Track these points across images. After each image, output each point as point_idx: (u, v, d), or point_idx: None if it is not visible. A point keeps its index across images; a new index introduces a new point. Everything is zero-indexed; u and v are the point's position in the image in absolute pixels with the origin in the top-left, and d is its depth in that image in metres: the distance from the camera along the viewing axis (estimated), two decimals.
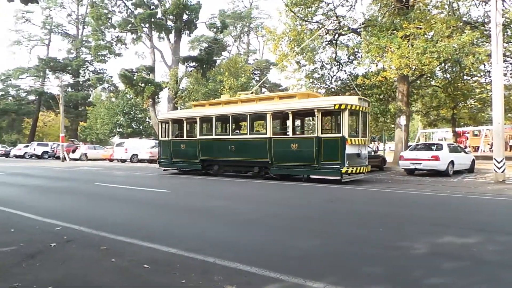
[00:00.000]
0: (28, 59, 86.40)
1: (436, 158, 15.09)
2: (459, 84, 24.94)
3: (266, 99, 15.30)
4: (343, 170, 12.05)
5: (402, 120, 19.90)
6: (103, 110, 44.99)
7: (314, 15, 21.57)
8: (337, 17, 21.60)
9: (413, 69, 17.08)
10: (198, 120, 16.17)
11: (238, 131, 16.27)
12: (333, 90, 25.39)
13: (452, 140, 31.71)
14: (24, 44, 54.27)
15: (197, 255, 4.31)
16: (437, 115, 33.39)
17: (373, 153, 20.05)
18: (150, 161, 27.53)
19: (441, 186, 12.05)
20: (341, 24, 21.77)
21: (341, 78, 25.91)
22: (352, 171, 12.34)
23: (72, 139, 42.47)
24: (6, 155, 42.50)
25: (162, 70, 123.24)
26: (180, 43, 37.93)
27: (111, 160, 30.72)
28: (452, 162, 15.54)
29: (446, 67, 23.36)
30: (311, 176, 13.72)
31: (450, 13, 18.25)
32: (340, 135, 12.30)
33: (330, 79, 25.35)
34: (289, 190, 11.49)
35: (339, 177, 12.32)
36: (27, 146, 40.97)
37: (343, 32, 21.87)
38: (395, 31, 17.75)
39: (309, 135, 14.19)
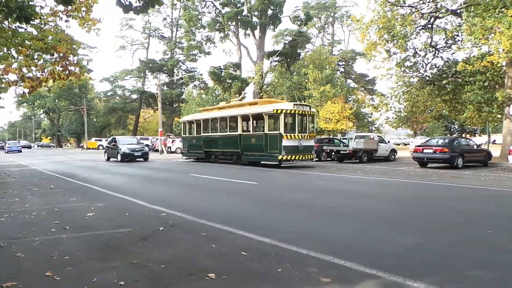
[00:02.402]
0: (131, 62, 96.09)
1: None
2: None
3: (241, 106, 20.33)
4: (279, 157, 15.99)
5: None
6: (194, 106, 48.10)
7: None
8: None
9: None
10: (202, 121, 21.88)
11: (225, 130, 20.10)
12: (427, 78, 23.47)
13: None
14: (128, 48, 60.70)
15: (290, 246, 4.43)
16: None
17: (475, 147, 18.06)
18: None
19: None
20: (438, 6, 19.96)
21: (437, 65, 23.81)
22: (287, 158, 16.11)
23: (168, 134, 46.30)
24: None
25: (248, 66, 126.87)
26: (265, 38, 38.62)
27: None
28: None
29: None
30: (261, 162, 17.88)
31: None
32: (278, 132, 16.29)
33: (424, 66, 23.46)
34: (354, 181, 11.02)
35: (277, 163, 16.35)
36: None
37: (440, 15, 20.04)
38: (504, 9, 15.68)
39: (261, 132, 17.56)
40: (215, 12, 39.45)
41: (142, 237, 5.03)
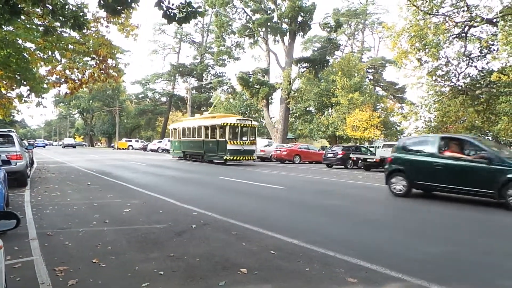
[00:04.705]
0: (162, 66, 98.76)
1: None
2: None
3: (206, 118, 26.04)
4: (225, 158, 21.34)
5: None
6: (222, 110, 48.83)
7: (440, 7, 19.79)
8: (468, 7, 19.45)
9: None
10: (181, 128, 27.25)
11: (195, 136, 25.22)
12: (460, 88, 22.90)
13: None
14: (159, 52, 62.31)
15: (317, 248, 4.61)
16: None
17: None
18: (263, 159, 28.71)
19: None
20: (473, 15, 19.53)
21: (471, 75, 23.21)
22: (231, 158, 21.45)
23: None
24: (144, 149, 49.58)
25: (276, 71, 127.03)
26: (294, 45, 38.80)
27: None
28: None
29: None
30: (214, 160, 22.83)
31: None
32: (224, 139, 21.68)
33: (457, 76, 22.92)
34: (381, 190, 10.91)
35: (223, 161, 21.61)
36: (160, 141, 47.07)
37: (475, 24, 19.57)
38: None
39: (214, 139, 22.81)
40: (245, 19, 40.01)
41: (176, 233, 5.34)
